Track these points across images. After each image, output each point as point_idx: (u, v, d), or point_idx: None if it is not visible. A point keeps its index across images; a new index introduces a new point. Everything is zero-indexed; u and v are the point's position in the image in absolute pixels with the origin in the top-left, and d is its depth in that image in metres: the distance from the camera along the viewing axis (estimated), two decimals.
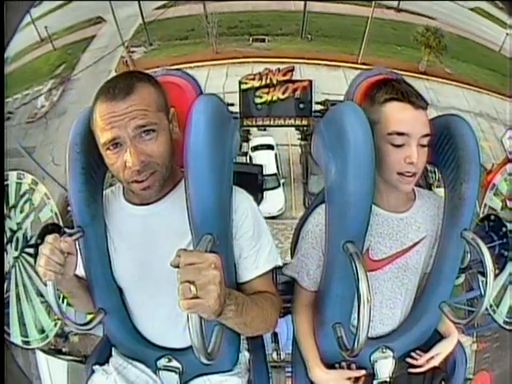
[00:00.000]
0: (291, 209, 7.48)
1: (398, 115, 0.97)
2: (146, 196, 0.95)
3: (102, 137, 0.88)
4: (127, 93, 0.87)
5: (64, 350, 3.17)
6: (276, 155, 9.15)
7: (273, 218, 7.05)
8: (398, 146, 0.97)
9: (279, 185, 8.24)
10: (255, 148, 8.87)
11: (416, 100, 0.98)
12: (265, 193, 7.83)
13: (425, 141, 0.99)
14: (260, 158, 8.71)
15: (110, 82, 0.90)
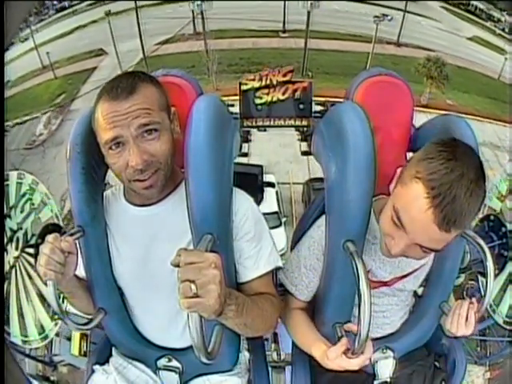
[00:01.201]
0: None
1: (412, 205, 0.81)
2: (148, 195, 0.94)
3: (105, 136, 0.87)
4: (130, 92, 0.86)
5: (52, 378, 3.17)
6: (277, 193, 9.03)
7: None
8: (395, 224, 0.85)
9: (280, 224, 7.96)
10: None
11: (448, 222, 0.77)
12: None
13: (426, 249, 0.85)
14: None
15: (113, 82, 0.89)
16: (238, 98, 8.61)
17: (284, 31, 12.85)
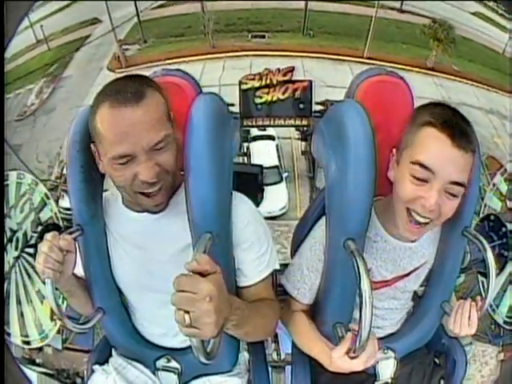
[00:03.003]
0: (295, 208, 6.80)
1: (429, 144, 0.87)
2: (153, 209, 0.91)
3: (112, 150, 0.81)
4: (139, 98, 0.80)
5: (37, 360, 3.14)
6: (277, 146, 8.47)
7: (274, 217, 6.20)
8: (418, 180, 0.88)
9: (281, 179, 7.42)
10: (254, 138, 8.20)
11: (459, 137, 0.85)
12: (265, 189, 6.86)
13: (454, 189, 0.87)
14: (260, 148, 7.96)
15: (116, 85, 0.83)
16: (234, 54, 8.37)
17: None
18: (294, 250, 1.13)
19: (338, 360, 0.88)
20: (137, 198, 0.89)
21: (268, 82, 8.71)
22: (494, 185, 2.36)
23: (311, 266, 1.05)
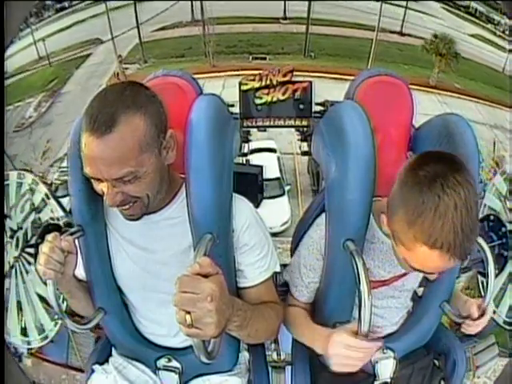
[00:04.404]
0: None
1: (426, 263, 0.82)
2: (126, 218, 0.90)
3: (84, 167, 0.82)
4: (108, 128, 0.76)
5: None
6: (279, 158, 8.40)
7: (275, 234, 5.78)
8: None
9: (284, 192, 7.16)
10: (254, 151, 8.09)
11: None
12: (265, 203, 6.41)
13: None
14: (260, 160, 7.78)
15: (93, 109, 0.79)
16: (235, 73, 8.32)
17: (285, 18, 12.76)
18: (294, 249, 1.14)
19: (337, 342, 0.85)
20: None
21: (268, 82, 8.72)
22: (493, 185, 2.36)
23: (309, 264, 1.05)
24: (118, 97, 0.80)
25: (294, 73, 8.41)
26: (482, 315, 0.97)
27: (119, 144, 0.77)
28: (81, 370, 2.89)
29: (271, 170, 7.42)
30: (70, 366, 2.94)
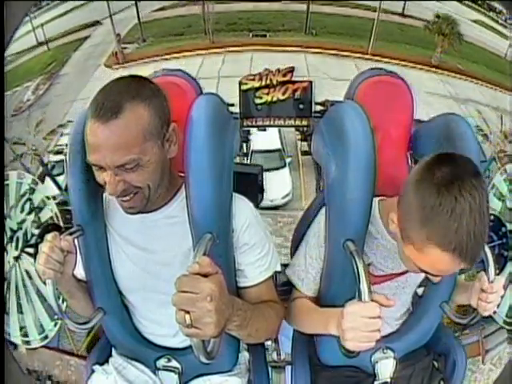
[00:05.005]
0: (300, 198, 6.14)
1: (435, 264, 0.81)
2: (125, 210, 0.91)
3: (88, 156, 0.83)
4: (113, 114, 0.78)
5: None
6: (279, 130, 7.74)
7: (276, 207, 5.53)
8: None
9: (285, 164, 6.86)
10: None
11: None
12: (266, 175, 6.50)
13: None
14: (259, 133, 7.35)
15: (100, 97, 0.81)
16: (234, 49, 8.29)
17: None
18: (294, 248, 1.13)
19: (350, 313, 0.81)
20: (117, 199, 0.89)
21: (268, 82, 8.71)
22: (493, 185, 2.37)
23: (315, 253, 1.03)
24: (124, 88, 0.82)
25: (295, 48, 8.37)
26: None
27: (124, 131, 0.79)
28: (72, 354, 2.93)
29: (272, 141, 7.14)
30: (61, 350, 2.93)
